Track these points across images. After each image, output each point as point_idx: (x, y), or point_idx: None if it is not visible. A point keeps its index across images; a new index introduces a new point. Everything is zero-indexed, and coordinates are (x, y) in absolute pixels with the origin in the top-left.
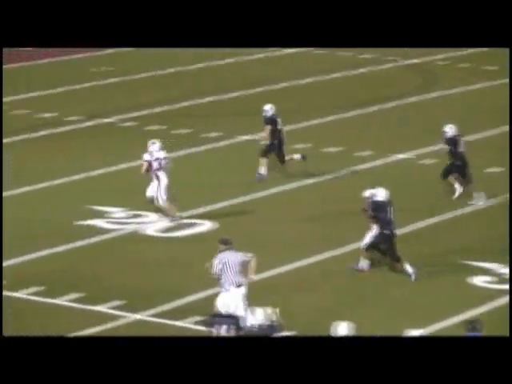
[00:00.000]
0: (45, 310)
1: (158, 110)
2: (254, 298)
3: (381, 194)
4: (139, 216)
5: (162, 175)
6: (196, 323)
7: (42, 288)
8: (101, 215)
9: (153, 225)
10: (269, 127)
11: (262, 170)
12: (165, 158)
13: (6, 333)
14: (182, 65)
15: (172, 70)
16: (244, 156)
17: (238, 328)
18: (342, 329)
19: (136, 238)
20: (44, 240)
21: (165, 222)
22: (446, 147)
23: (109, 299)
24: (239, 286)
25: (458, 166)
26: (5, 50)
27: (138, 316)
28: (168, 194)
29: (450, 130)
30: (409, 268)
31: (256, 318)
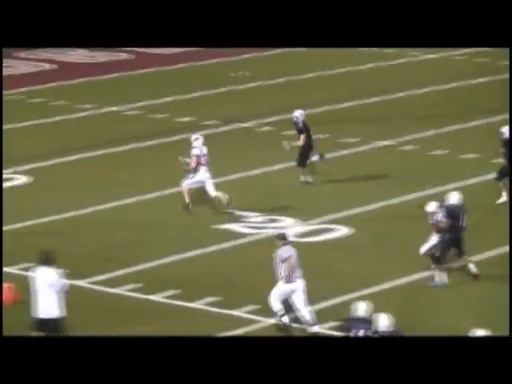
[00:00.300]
0: (180, 313)
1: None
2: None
3: (453, 198)
4: (275, 221)
5: (205, 170)
6: (332, 328)
7: (179, 291)
8: (237, 219)
9: (289, 229)
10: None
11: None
12: (205, 155)
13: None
14: (322, 69)
15: (310, 75)
16: (381, 162)
17: (375, 332)
18: (362, 308)
19: (268, 243)
20: (180, 243)
21: (301, 227)
22: (502, 149)
23: (244, 303)
24: (295, 280)
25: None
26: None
27: (272, 321)
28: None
29: (506, 131)
30: (472, 266)
31: (384, 324)
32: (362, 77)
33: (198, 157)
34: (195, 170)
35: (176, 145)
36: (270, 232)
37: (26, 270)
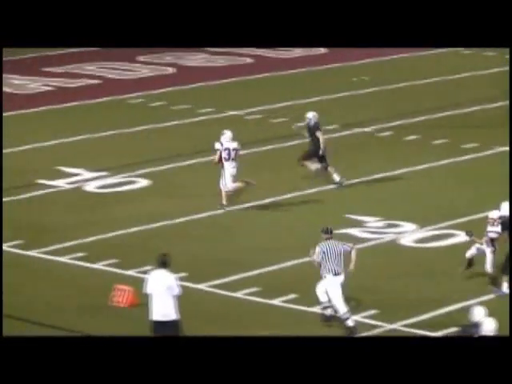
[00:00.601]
0: (298, 317)
1: (414, 120)
2: None
3: (505, 208)
4: (395, 226)
5: (228, 165)
6: (452, 333)
7: (297, 295)
8: (358, 224)
9: (409, 235)
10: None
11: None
12: (234, 149)
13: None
14: (440, 75)
15: (427, 80)
16: (500, 167)
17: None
18: (478, 313)
19: (391, 248)
20: (298, 247)
21: (420, 233)
22: None
23: (364, 309)
24: (337, 274)
25: None
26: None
27: (393, 326)
28: (234, 183)
29: None
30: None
31: (489, 329)
32: (487, 80)
33: (219, 151)
34: (222, 166)
35: (294, 149)
36: (390, 237)
37: (146, 272)
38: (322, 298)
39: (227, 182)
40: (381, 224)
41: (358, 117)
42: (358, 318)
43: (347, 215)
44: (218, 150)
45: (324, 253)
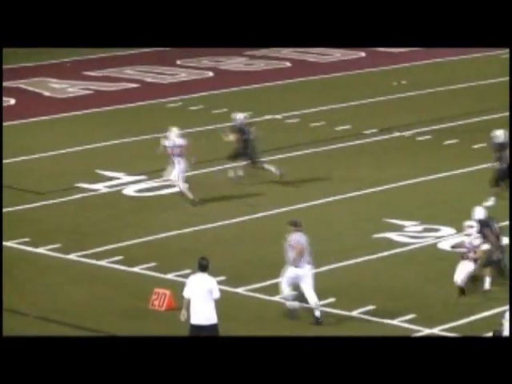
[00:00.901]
0: (337, 321)
1: (454, 123)
2: None
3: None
4: (434, 230)
5: (178, 161)
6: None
7: (334, 300)
8: (397, 229)
9: (447, 239)
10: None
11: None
12: (180, 146)
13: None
14: (479, 78)
15: (469, 84)
16: None
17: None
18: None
19: (430, 253)
20: (337, 252)
21: (459, 237)
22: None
23: (402, 313)
24: (303, 265)
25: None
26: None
27: (431, 330)
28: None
29: (500, 134)
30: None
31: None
32: None
33: (167, 148)
34: (173, 162)
35: (334, 153)
36: (428, 242)
37: (184, 276)
38: (284, 289)
39: (180, 180)
40: (419, 228)
41: (397, 121)
42: (395, 322)
43: (386, 219)
44: (165, 146)
45: (290, 245)
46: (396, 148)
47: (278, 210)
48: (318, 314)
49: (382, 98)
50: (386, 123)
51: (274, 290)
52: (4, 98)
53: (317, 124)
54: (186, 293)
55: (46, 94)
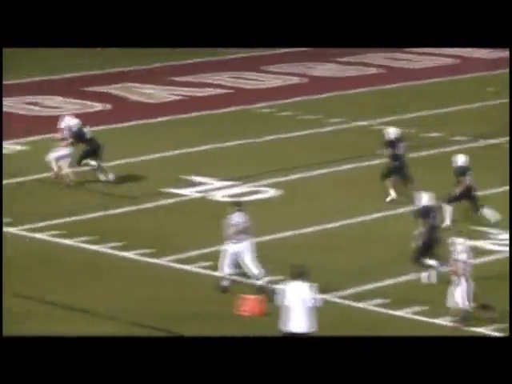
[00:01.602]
0: (424, 328)
1: None
2: None
3: (425, 199)
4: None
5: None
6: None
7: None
8: (485, 236)
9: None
10: None
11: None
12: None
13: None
14: None
15: None
16: None
17: None
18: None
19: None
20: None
21: None
22: (387, 150)
23: (490, 322)
24: (241, 241)
25: (396, 167)
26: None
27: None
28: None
29: (391, 132)
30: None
31: None
32: None
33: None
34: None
35: (423, 160)
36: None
37: (274, 282)
38: (225, 270)
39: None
40: (508, 236)
41: (490, 128)
42: (484, 330)
43: (473, 227)
44: (62, 128)
45: (231, 222)
46: (488, 155)
47: (367, 217)
48: (261, 283)
49: (475, 105)
50: (478, 130)
51: (364, 296)
52: (99, 104)
53: (409, 130)
54: (282, 300)
55: (136, 98)
